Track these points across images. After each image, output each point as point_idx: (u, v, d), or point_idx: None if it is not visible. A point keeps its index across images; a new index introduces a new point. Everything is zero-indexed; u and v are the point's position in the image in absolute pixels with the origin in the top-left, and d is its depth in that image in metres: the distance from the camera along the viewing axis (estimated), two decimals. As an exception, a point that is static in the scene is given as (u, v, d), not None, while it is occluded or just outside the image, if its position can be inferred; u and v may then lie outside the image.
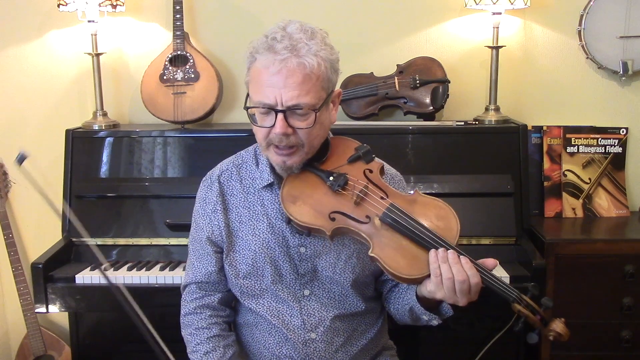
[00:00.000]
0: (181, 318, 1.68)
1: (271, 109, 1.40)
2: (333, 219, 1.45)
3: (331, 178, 1.47)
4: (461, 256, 1.38)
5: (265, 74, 1.38)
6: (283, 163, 1.47)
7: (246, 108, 1.46)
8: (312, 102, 1.39)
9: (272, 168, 1.56)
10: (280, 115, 1.39)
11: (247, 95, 1.47)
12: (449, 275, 1.35)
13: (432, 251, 1.38)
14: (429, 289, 1.40)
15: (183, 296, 1.68)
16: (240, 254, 1.59)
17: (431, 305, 1.50)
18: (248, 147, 1.66)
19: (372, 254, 1.40)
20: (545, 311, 1.38)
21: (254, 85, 1.42)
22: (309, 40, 1.38)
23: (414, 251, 1.40)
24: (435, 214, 1.45)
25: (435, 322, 1.51)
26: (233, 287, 1.64)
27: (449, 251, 1.38)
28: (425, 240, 1.39)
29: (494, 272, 1.44)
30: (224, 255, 1.61)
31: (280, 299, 1.58)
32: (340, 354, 1.60)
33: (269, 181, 1.56)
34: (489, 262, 1.41)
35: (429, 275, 1.38)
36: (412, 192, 1.53)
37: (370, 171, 1.51)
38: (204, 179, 1.66)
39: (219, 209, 1.59)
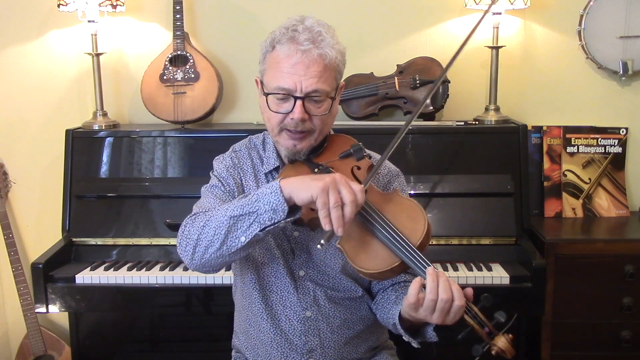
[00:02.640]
0: (179, 232, 1.57)
1: (290, 96, 1.49)
2: (312, 209, 1.48)
3: (316, 170, 1.54)
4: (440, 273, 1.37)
5: (286, 62, 1.47)
6: (294, 146, 1.54)
7: (266, 95, 1.53)
8: (328, 89, 1.50)
9: (277, 154, 1.63)
10: (299, 102, 1.48)
11: (261, 82, 1.55)
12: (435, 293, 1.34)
13: (418, 278, 1.37)
14: (405, 308, 1.41)
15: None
16: None
17: (414, 325, 1.51)
18: (258, 134, 1.72)
19: (338, 245, 1.45)
20: (496, 325, 1.34)
21: (272, 72, 1.51)
22: (326, 34, 1.50)
23: (376, 247, 1.43)
24: (407, 215, 1.46)
25: (414, 345, 1.52)
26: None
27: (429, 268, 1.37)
28: (387, 239, 1.41)
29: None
30: None
31: (278, 275, 1.62)
32: (336, 336, 1.63)
33: (275, 165, 1.63)
34: (467, 290, 1.38)
35: (385, 272, 1.40)
36: (392, 190, 1.56)
37: (358, 168, 1.56)
38: (216, 157, 1.71)
39: (232, 178, 1.64)
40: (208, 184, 1.66)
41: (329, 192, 1.33)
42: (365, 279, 1.66)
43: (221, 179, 1.65)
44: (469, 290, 1.38)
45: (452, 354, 2.17)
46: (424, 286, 1.36)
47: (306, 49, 1.46)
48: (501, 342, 1.33)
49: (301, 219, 1.49)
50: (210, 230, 1.45)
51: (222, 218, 1.44)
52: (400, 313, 1.48)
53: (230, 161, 1.67)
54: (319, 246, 1.35)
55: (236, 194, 1.63)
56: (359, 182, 1.52)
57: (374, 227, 1.43)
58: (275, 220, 1.39)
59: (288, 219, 1.40)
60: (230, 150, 1.72)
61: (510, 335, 1.35)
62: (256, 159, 1.67)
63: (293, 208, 1.40)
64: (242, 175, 1.66)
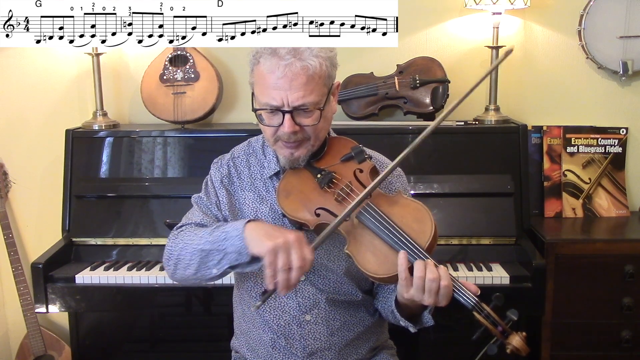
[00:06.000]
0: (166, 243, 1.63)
1: (278, 110, 1.47)
2: (318, 215, 1.50)
3: (319, 175, 1.54)
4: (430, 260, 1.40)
5: (270, 77, 1.45)
6: (291, 155, 1.54)
7: (254, 110, 1.52)
8: (317, 100, 1.47)
9: (278, 159, 1.62)
10: (287, 116, 1.46)
11: (253, 94, 1.54)
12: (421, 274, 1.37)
13: (402, 252, 1.39)
14: (398, 289, 1.43)
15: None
16: None
17: (413, 312, 1.53)
18: (258, 136, 1.71)
19: (346, 251, 1.45)
20: (509, 323, 1.35)
21: (259, 87, 1.49)
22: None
23: (385, 251, 1.42)
24: (413, 217, 1.46)
25: (412, 330, 1.54)
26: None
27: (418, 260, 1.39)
28: (395, 242, 1.41)
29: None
30: None
31: None
32: (336, 338, 1.63)
33: (275, 170, 1.63)
34: (472, 286, 1.41)
35: (396, 276, 1.40)
36: (395, 193, 1.56)
37: (361, 171, 1.54)
38: (215, 160, 1.72)
39: (224, 188, 1.66)
40: (197, 194, 1.69)
41: (278, 254, 1.35)
42: (369, 282, 1.66)
43: (210, 190, 1.66)
44: (473, 287, 1.39)
45: (466, 354, 2.18)
46: (411, 271, 1.38)
47: (288, 62, 1.43)
48: (515, 340, 1.34)
49: (307, 225, 1.50)
50: (187, 254, 1.51)
51: (196, 247, 1.49)
52: (397, 301, 1.50)
53: (226, 170, 1.67)
54: (253, 308, 1.38)
55: (223, 206, 1.64)
56: (360, 183, 1.52)
57: (381, 231, 1.43)
58: (242, 262, 1.43)
59: (254, 265, 1.43)
60: (229, 155, 1.71)
61: (524, 333, 1.35)
62: (255, 165, 1.67)
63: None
64: (238, 184, 1.66)
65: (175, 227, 1.65)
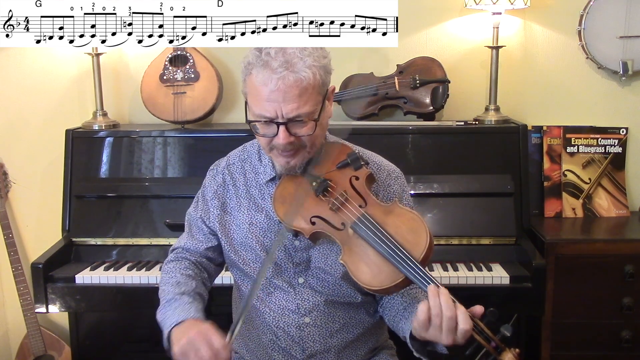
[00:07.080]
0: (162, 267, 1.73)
1: (272, 122, 1.45)
2: (313, 223, 1.49)
3: (314, 183, 1.52)
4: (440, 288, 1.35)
5: (263, 90, 1.43)
6: (287, 163, 1.52)
7: (248, 122, 1.50)
8: (311, 111, 1.44)
9: (274, 164, 1.61)
10: (282, 127, 1.44)
11: (246, 103, 1.52)
12: (437, 311, 1.33)
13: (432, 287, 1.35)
14: (415, 326, 1.39)
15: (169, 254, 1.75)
16: (238, 242, 1.64)
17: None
18: (254, 140, 1.70)
19: (341, 260, 1.44)
20: (502, 339, 1.33)
21: (252, 98, 1.48)
22: (301, 52, 1.42)
23: (378, 263, 1.41)
24: (408, 227, 1.43)
25: None
26: (233, 267, 1.70)
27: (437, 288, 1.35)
28: (389, 254, 1.39)
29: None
30: (223, 241, 1.67)
31: (276, 285, 1.62)
32: (335, 340, 1.63)
33: (272, 175, 1.62)
34: (477, 308, 1.37)
35: (390, 288, 1.39)
36: (391, 202, 1.53)
37: (357, 178, 1.52)
38: (211, 167, 1.73)
39: (217, 199, 1.66)
40: (190, 207, 1.73)
41: (187, 355, 1.36)
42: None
43: (200, 203, 1.69)
44: (479, 309, 1.36)
45: (453, 357, 2.18)
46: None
47: (280, 75, 1.39)
48: (508, 357, 1.32)
49: (303, 233, 1.50)
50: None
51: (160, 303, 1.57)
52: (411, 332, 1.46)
53: (221, 179, 1.67)
54: None
55: (213, 217, 1.66)
56: (356, 191, 1.50)
57: (375, 242, 1.41)
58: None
59: None
60: (225, 162, 1.70)
61: (517, 350, 1.34)
62: (250, 172, 1.66)
63: None
64: (233, 191, 1.65)
65: (170, 249, 1.71)
